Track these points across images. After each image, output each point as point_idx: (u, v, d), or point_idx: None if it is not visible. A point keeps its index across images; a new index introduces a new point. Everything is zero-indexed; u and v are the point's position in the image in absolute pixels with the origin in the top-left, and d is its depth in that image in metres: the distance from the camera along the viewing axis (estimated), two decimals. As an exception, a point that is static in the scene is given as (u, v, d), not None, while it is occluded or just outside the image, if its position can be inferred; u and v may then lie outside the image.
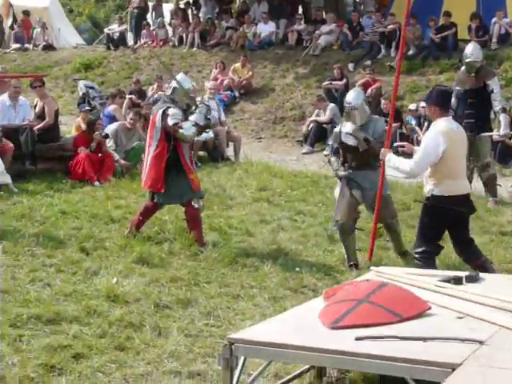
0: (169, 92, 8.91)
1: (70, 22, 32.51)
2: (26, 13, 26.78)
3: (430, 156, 6.84)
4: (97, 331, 6.11)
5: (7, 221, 9.26)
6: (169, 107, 8.53)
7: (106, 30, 26.09)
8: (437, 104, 7.03)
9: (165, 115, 8.46)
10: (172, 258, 8.30)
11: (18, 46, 25.30)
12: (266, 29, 21.29)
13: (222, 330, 6.34)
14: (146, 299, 6.93)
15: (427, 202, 7.06)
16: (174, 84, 8.82)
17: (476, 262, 7.14)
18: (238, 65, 19.74)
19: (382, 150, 7.44)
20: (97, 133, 12.36)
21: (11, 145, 11.70)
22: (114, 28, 24.88)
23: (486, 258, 7.40)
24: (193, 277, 7.64)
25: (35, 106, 12.87)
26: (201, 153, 14.52)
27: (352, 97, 8.28)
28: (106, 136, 12.55)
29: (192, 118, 8.62)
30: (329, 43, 20.20)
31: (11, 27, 26.81)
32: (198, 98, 9.05)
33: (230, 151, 14.78)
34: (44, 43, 25.25)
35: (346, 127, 8.29)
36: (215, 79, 19.34)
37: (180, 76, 9.11)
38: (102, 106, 17.16)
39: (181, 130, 8.43)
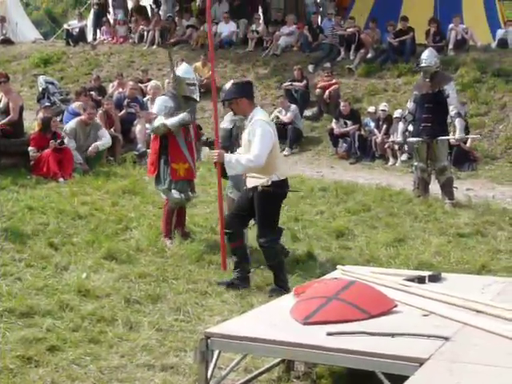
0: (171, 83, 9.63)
1: (27, 16, 32.28)
2: (-17, 6, 26.56)
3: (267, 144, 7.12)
4: (70, 325, 6.23)
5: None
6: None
7: (65, 26, 25.98)
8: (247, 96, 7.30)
9: None
10: (139, 254, 8.45)
11: (-26, 39, 25.07)
12: (226, 28, 21.46)
13: (192, 325, 6.51)
14: (116, 294, 7.07)
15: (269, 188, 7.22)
16: (176, 74, 8.97)
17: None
18: (198, 64, 19.84)
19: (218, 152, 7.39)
20: (52, 141, 12.35)
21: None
22: (74, 23, 24.80)
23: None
24: (161, 273, 7.80)
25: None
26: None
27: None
28: (62, 143, 12.51)
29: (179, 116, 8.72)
30: (289, 44, 20.46)
31: (-32, 21, 26.48)
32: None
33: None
34: (2, 37, 25.05)
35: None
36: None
37: (181, 66, 9.50)
38: (61, 103, 17.17)
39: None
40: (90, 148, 13.07)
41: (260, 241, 7.39)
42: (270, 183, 7.16)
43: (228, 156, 7.28)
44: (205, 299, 7.19)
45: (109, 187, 11.42)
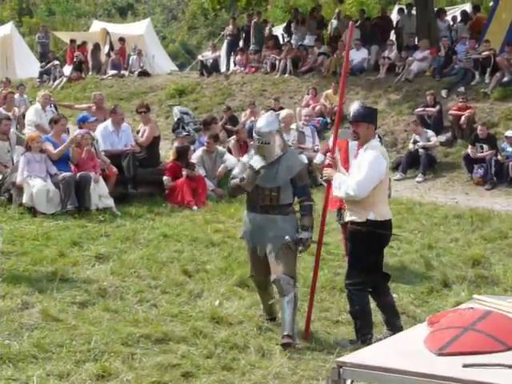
0: None
1: (164, 48, 33.41)
2: (122, 40, 27.64)
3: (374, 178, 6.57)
4: (204, 351, 6.33)
5: (112, 243, 9.64)
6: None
7: (199, 57, 26.69)
8: (374, 123, 6.86)
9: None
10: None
11: (114, 72, 26.07)
12: (358, 55, 21.42)
13: (324, 353, 6.48)
14: (248, 322, 7.13)
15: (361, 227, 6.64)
16: None
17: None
18: (329, 91, 19.90)
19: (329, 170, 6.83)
20: (185, 170, 12.67)
21: (115, 169, 12.17)
22: (208, 55, 25.42)
23: None
24: (292, 301, 7.79)
25: (138, 131, 13.32)
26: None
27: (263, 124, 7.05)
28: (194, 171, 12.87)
29: None
30: (422, 69, 20.18)
31: (108, 54, 27.66)
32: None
33: (323, 177, 14.88)
34: (139, 70, 25.98)
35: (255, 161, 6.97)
36: (307, 105, 19.56)
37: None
38: (195, 132, 17.58)
39: None
40: (219, 169, 13.37)
41: (345, 282, 6.91)
42: (363, 220, 6.60)
43: (338, 175, 6.75)
44: (336, 327, 7.15)
45: (241, 215, 11.51)
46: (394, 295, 8.02)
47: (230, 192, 7.37)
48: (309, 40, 23.69)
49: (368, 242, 6.63)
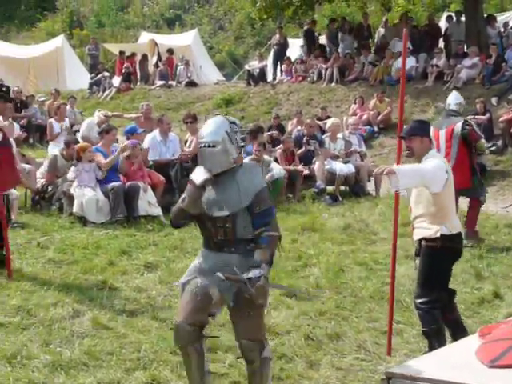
0: (452, 107, 10.76)
1: (211, 58, 33.63)
2: (170, 51, 27.88)
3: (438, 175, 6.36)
4: (251, 361, 6.32)
5: (160, 252, 9.72)
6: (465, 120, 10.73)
7: (246, 67, 26.84)
8: (429, 136, 6.69)
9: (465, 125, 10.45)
10: (319, 291, 8.43)
11: (162, 82, 26.30)
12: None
13: (373, 364, 6.44)
14: (296, 331, 7.10)
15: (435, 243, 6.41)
16: (457, 100, 10.79)
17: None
18: (375, 100, 19.84)
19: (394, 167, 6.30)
20: None
21: (162, 178, 12.27)
22: (255, 64, 25.52)
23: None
24: (340, 310, 7.77)
25: (186, 141, 13.41)
26: (342, 187, 14.65)
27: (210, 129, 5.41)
28: None
29: None
30: (471, 77, 19.98)
31: (156, 65, 27.92)
32: None
33: (371, 186, 14.84)
34: (187, 80, 26.17)
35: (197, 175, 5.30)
36: (354, 114, 19.51)
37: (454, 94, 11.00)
38: (242, 142, 17.59)
39: (482, 140, 10.88)
40: (266, 177, 13.36)
41: (416, 301, 6.60)
42: (437, 235, 6.37)
43: (398, 165, 6.40)
44: (386, 338, 7.06)
45: (288, 224, 11.54)
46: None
47: (172, 218, 5.58)
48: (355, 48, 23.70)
49: (442, 257, 6.44)
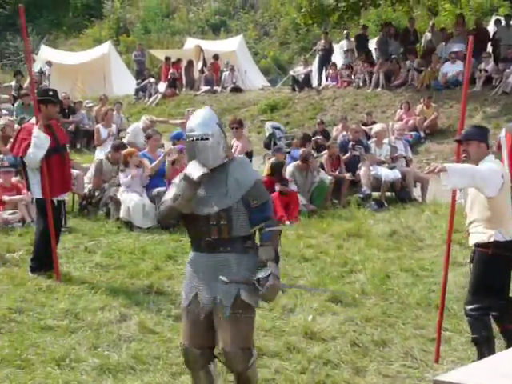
0: None
1: (256, 64, 33.70)
2: (216, 57, 28.01)
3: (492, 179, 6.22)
4: (297, 367, 6.32)
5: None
6: None
7: (291, 72, 26.83)
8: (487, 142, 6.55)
9: None
10: (364, 297, 8.40)
11: (207, 88, 26.44)
12: (453, 68, 21.08)
13: (420, 371, 6.39)
14: (342, 338, 7.07)
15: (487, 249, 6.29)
16: None
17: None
18: (422, 105, 19.68)
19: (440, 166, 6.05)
20: (278, 184, 12.70)
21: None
22: (299, 70, 25.50)
23: None
24: (387, 317, 7.72)
25: (231, 146, 13.48)
26: (388, 193, 14.56)
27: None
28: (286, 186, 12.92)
29: None
30: (520, 81, 19.74)
31: (201, 71, 28.07)
32: None
33: (417, 192, 14.73)
34: (232, 85, 26.27)
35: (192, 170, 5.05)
36: (400, 119, 19.39)
37: None
38: (287, 147, 17.61)
39: None
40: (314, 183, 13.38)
41: (466, 308, 6.46)
42: (491, 240, 6.25)
43: (450, 164, 6.31)
44: (433, 345, 6.99)
45: (333, 230, 11.52)
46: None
47: (159, 217, 5.32)
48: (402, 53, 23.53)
49: (495, 264, 6.28)
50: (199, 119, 5.10)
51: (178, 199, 4.96)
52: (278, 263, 5.04)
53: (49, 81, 26.16)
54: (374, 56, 23.99)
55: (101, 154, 14.19)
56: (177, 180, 5.17)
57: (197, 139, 5.01)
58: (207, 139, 5.01)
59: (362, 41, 24.79)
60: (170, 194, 5.09)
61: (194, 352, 5.08)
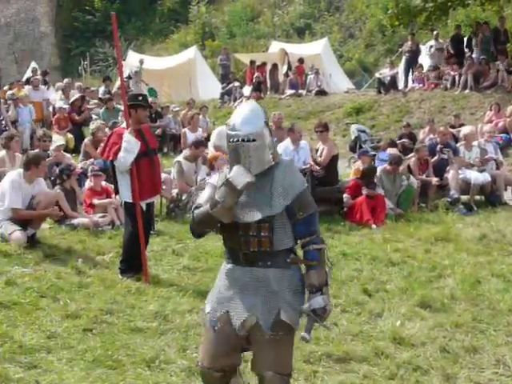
0: None
1: (341, 67, 33.56)
2: (301, 60, 28.02)
3: None
4: (386, 372, 6.24)
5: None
6: None
7: (376, 75, 26.61)
8: None
9: None
10: (454, 302, 8.24)
11: (292, 91, 26.49)
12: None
13: (513, 380, 6.23)
14: (431, 344, 6.94)
15: None
16: None
17: None
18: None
19: None
20: (368, 190, 12.60)
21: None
22: (385, 72, 25.27)
23: None
24: (478, 323, 7.55)
25: (317, 150, 13.44)
26: (477, 197, 14.28)
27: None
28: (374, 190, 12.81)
29: None
30: None
31: (286, 74, 28.12)
32: None
33: (508, 195, 14.38)
34: (317, 88, 26.22)
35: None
36: (490, 121, 18.98)
37: None
38: (373, 150, 17.46)
39: None
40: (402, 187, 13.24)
41: None
42: None
43: None
44: (527, 354, 6.83)
45: (421, 234, 11.36)
46: None
47: (193, 226, 4.65)
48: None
49: None
50: (244, 116, 4.46)
51: (217, 207, 4.39)
52: (328, 286, 4.63)
53: (138, 79, 26.31)
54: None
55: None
56: (212, 180, 4.69)
57: (242, 140, 4.40)
58: (254, 140, 4.41)
59: (456, 41, 24.30)
60: (205, 196, 4.59)
61: (214, 376, 4.60)
